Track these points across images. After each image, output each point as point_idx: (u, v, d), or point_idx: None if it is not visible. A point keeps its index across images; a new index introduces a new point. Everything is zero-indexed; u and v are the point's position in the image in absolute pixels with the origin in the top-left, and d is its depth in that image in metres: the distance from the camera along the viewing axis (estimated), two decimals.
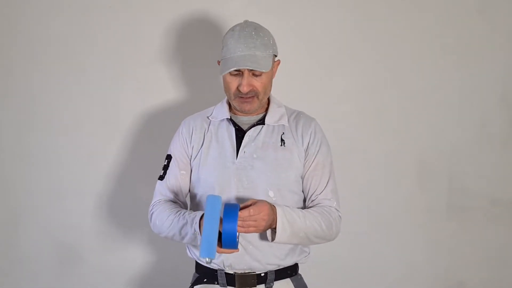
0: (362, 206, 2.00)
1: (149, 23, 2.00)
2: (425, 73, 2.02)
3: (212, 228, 1.23)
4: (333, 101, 2.01)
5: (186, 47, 2.01)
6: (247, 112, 1.46)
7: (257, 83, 1.42)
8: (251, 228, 1.28)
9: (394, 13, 2.01)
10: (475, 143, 2.03)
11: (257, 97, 1.44)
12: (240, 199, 1.40)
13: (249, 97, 1.43)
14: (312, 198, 1.48)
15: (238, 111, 1.50)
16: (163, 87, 2.02)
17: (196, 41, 2.01)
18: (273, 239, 1.36)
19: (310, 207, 1.47)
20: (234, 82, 1.43)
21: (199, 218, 1.35)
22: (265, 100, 1.49)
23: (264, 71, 1.40)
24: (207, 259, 1.21)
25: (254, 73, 1.41)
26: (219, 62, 1.50)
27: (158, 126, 2.02)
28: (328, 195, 1.47)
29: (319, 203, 1.46)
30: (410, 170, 2.03)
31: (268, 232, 1.38)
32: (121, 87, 2.02)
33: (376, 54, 2.01)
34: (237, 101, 1.45)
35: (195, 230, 1.35)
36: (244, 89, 1.41)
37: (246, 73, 1.40)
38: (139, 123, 2.03)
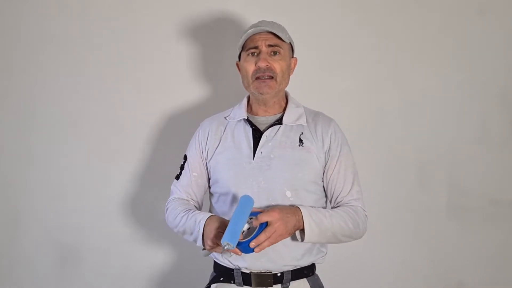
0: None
1: (149, 22, 2.00)
2: (425, 73, 2.02)
3: (240, 220, 1.28)
4: (333, 101, 2.00)
5: (186, 46, 2.01)
6: (265, 94, 1.46)
7: (275, 63, 1.46)
8: (277, 239, 1.31)
9: (395, 14, 2.01)
10: (475, 143, 2.03)
11: (275, 80, 1.46)
12: (256, 199, 1.39)
13: (267, 78, 1.45)
14: (338, 199, 1.49)
15: (256, 97, 1.50)
16: (164, 88, 2.02)
17: (196, 41, 2.01)
18: (302, 239, 1.37)
19: (336, 207, 1.49)
20: (251, 62, 1.46)
21: (205, 220, 1.39)
22: (282, 87, 1.50)
23: (282, 38, 1.45)
24: (226, 245, 1.24)
25: (273, 51, 1.46)
26: (238, 64, 1.54)
27: (158, 126, 2.02)
28: (354, 195, 1.49)
29: (346, 203, 1.48)
30: (410, 170, 2.03)
31: (297, 233, 1.39)
32: (122, 87, 2.02)
33: (376, 54, 2.01)
34: (256, 84, 1.46)
35: (200, 229, 1.38)
36: (262, 63, 1.43)
37: (264, 49, 1.45)
38: (139, 123, 2.02)
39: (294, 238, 1.41)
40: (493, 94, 2.03)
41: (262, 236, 1.28)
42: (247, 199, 1.33)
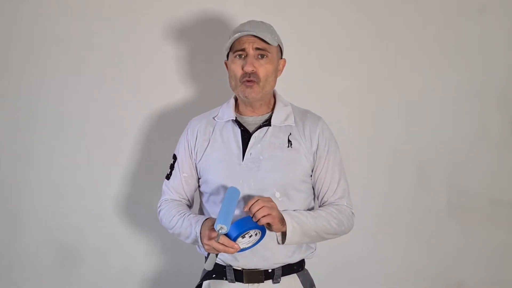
0: (362, 206, 2.00)
1: (149, 22, 2.00)
2: (426, 73, 2.02)
3: (230, 206, 1.30)
4: (333, 101, 2.00)
5: (186, 46, 2.01)
6: (250, 99, 1.46)
7: (261, 67, 1.44)
8: (266, 211, 1.31)
9: (395, 13, 2.01)
10: (475, 143, 2.03)
11: (258, 84, 1.44)
12: (247, 200, 1.40)
13: (251, 81, 1.44)
14: (324, 199, 1.51)
15: (242, 100, 1.49)
16: (164, 87, 2.02)
17: (196, 41, 2.01)
18: (283, 242, 1.40)
19: (321, 207, 1.51)
20: (238, 65, 1.45)
21: (201, 223, 1.41)
22: (267, 90, 1.48)
23: (269, 42, 1.43)
24: (220, 229, 1.26)
25: (260, 54, 1.45)
26: (226, 63, 1.53)
27: (158, 126, 2.02)
28: (339, 194, 1.51)
29: (331, 202, 1.50)
30: (410, 170, 2.03)
31: (279, 236, 1.42)
32: (122, 87, 2.02)
33: (376, 54, 2.01)
34: (242, 87, 1.45)
35: (196, 233, 1.40)
36: (248, 68, 1.42)
37: (251, 52, 1.44)
38: (139, 123, 2.03)
39: (273, 237, 1.43)
40: (493, 94, 2.03)
41: (257, 204, 1.30)
42: (234, 189, 1.36)
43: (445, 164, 2.03)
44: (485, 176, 2.03)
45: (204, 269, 1.55)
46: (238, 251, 1.34)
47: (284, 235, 1.40)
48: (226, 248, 1.30)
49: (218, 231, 1.26)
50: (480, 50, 2.01)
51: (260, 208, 1.31)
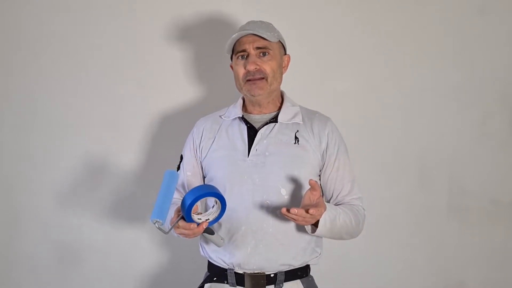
0: (363, 206, 2.00)
1: (150, 22, 2.00)
2: (426, 73, 2.02)
3: (167, 196, 1.25)
4: (333, 102, 2.00)
5: (188, 46, 2.01)
6: (256, 96, 1.46)
7: (265, 64, 1.45)
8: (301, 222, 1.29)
9: (395, 13, 2.01)
10: (475, 143, 2.03)
11: (266, 80, 1.45)
12: (251, 196, 1.40)
13: (258, 79, 1.44)
14: (339, 198, 1.49)
15: (249, 99, 1.49)
16: (165, 88, 2.02)
17: (198, 41, 2.01)
18: (313, 231, 1.37)
19: (339, 205, 1.49)
20: (241, 66, 1.46)
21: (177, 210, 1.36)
22: (274, 87, 1.49)
23: (268, 39, 1.43)
24: (156, 223, 1.21)
25: (261, 52, 1.45)
26: (232, 66, 1.53)
27: (159, 126, 2.02)
28: (354, 194, 1.50)
29: (347, 202, 1.49)
30: (410, 170, 2.03)
31: (308, 226, 1.38)
32: (122, 87, 2.02)
33: (376, 54, 2.01)
34: (247, 86, 1.46)
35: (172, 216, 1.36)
36: (251, 67, 1.43)
37: (252, 51, 1.44)
38: (139, 123, 2.03)
39: (290, 236, 1.42)
40: (493, 94, 2.02)
41: (299, 218, 1.26)
42: (171, 173, 1.31)
43: (445, 164, 2.03)
44: (485, 176, 2.03)
45: (206, 272, 1.54)
46: (209, 224, 1.28)
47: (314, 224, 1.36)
48: (190, 232, 1.26)
49: (155, 224, 1.21)
50: (480, 49, 2.01)
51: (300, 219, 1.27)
